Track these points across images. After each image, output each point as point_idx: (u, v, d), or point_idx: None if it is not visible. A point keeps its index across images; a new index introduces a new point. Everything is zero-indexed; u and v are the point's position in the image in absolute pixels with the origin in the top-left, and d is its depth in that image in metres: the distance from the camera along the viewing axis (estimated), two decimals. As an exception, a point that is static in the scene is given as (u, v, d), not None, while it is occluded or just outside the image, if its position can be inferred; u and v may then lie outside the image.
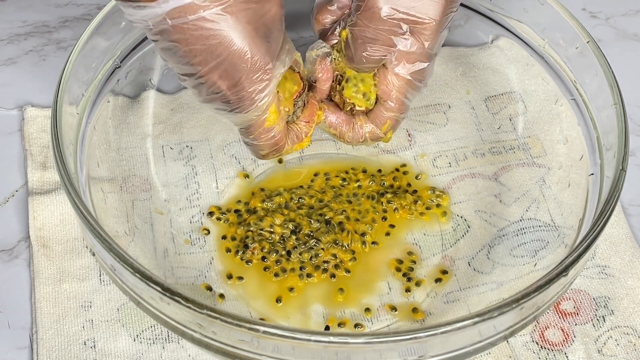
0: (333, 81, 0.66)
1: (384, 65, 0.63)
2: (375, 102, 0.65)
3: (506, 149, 0.74)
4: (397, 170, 0.73)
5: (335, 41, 0.65)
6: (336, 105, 0.66)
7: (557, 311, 0.65)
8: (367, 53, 0.62)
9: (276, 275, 0.66)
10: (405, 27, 0.60)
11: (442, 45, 0.79)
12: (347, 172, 0.72)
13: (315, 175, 0.72)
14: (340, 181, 0.71)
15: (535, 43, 0.72)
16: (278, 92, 0.61)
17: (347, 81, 0.65)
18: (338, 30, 0.65)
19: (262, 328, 0.50)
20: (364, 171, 0.72)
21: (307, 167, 0.73)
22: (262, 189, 0.71)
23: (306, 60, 0.66)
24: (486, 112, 0.77)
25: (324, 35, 0.66)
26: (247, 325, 0.50)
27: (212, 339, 0.53)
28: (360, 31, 0.61)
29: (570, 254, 0.55)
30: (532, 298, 0.53)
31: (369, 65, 0.63)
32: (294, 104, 0.63)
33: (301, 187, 0.71)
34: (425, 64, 0.62)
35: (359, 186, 0.71)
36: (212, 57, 0.55)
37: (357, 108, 0.65)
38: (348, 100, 0.65)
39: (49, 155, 0.73)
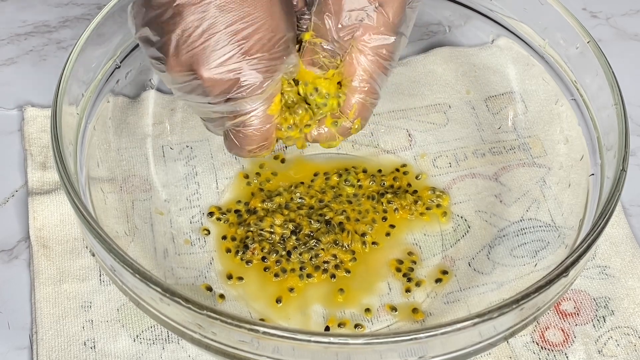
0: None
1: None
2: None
3: (506, 149, 0.74)
4: (397, 170, 0.73)
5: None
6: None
7: (557, 312, 0.65)
8: (342, 23, 0.58)
9: (276, 275, 0.66)
10: None
11: (442, 45, 0.79)
12: (347, 170, 0.72)
13: (315, 175, 0.72)
14: (337, 177, 0.71)
15: (536, 43, 0.71)
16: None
17: (304, 85, 0.61)
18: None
19: (262, 329, 0.50)
20: (365, 171, 0.72)
21: (307, 167, 0.73)
22: (262, 189, 0.71)
23: None
24: (487, 112, 0.77)
25: None
26: (247, 325, 0.50)
27: (212, 340, 0.53)
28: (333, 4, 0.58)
29: (571, 255, 0.55)
30: (533, 299, 0.53)
31: (342, 44, 0.59)
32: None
33: (302, 183, 0.71)
34: (392, 39, 0.59)
35: (360, 186, 0.71)
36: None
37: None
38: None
39: (48, 155, 0.73)
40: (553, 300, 0.56)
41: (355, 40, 0.59)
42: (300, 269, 0.66)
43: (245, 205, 0.70)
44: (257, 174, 0.72)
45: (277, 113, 0.58)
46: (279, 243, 0.67)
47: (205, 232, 0.69)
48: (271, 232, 0.67)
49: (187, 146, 0.74)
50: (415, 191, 0.71)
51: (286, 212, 0.69)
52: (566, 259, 0.55)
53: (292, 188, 0.70)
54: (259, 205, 0.69)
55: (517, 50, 0.74)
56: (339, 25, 0.58)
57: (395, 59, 0.61)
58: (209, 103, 0.57)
